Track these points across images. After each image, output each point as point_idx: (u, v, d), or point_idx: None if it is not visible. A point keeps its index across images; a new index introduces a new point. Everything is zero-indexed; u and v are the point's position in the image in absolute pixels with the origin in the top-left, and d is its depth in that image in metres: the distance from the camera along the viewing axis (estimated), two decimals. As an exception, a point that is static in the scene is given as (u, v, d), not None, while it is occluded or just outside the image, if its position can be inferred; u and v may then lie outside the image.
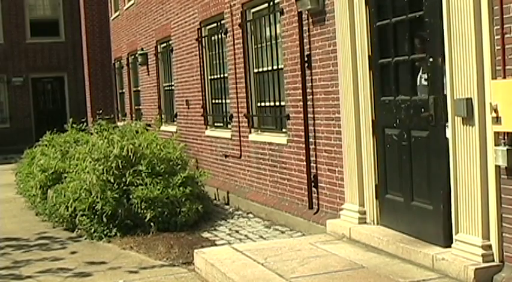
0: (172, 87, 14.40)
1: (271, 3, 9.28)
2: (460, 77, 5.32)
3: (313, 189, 8.11)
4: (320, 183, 7.98)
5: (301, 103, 8.21)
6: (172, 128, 14.20)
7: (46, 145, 13.33)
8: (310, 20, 7.93)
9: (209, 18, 11.59)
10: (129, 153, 9.31)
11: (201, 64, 12.16)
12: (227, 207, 10.60)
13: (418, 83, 6.19)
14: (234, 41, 10.42)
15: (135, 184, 9.11)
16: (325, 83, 7.69)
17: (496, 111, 4.95)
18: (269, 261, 6.28)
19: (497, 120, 4.96)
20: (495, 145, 5.08)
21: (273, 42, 9.23)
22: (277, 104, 9.31)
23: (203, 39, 12.05)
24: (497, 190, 5.12)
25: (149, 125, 13.49)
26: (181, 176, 9.31)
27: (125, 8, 18.92)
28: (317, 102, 7.91)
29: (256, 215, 9.56)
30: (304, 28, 8.08)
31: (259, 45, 9.85)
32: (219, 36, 11.24)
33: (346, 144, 7.16)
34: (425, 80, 6.01)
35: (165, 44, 14.95)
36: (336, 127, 7.52)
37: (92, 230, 8.92)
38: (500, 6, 4.92)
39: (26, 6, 28.77)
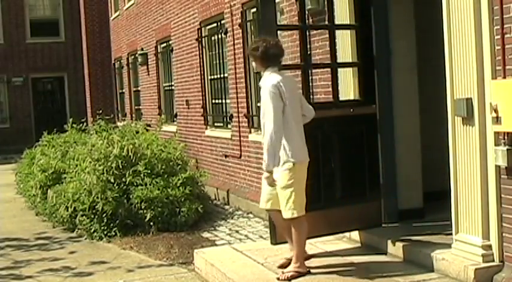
0: (172, 87, 14.40)
1: (271, 3, 9.26)
2: (460, 77, 5.32)
3: (313, 189, 8.09)
4: (320, 183, 7.96)
5: (301, 103, 8.19)
6: (173, 128, 14.19)
7: (46, 145, 13.33)
8: (310, 20, 7.93)
9: (209, 18, 11.59)
10: (129, 153, 9.31)
11: (201, 64, 12.16)
12: (227, 207, 10.60)
13: None
14: (234, 41, 10.42)
15: (135, 184, 9.11)
16: (325, 83, 7.67)
17: (496, 111, 4.94)
18: (269, 261, 6.28)
19: (497, 120, 4.96)
20: (495, 145, 5.08)
21: (273, 42, 9.21)
22: (277, 104, 9.29)
23: (203, 39, 12.05)
24: (497, 190, 5.11)
25: (149, 125, 13.50)
26: (181, 177, 9.31)
27: (124, 8, 18.91)
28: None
29: (256, 215, 9.56)
30: (304, 28, 8.07)
31: (259, 45, 9.83)
32: (219, 36, 11.24)
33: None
34: None
35: (165, 44, 14.95)
36: (336, 127, 7.50)
37: (92, 230, 8.92)
38: (500, 6, 4.92)
39: (26, 6, 28.75)
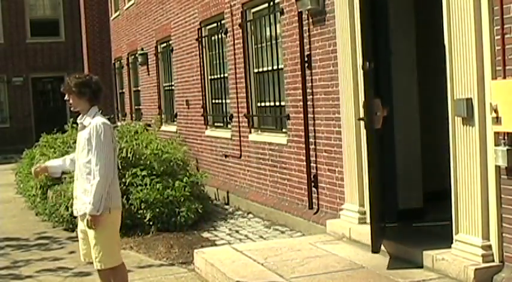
0: (172, 87, 14.40)
1: (272, 3, 9.28)
2: (460, 77, 5.33)
3: (313, 189, 8.11)
4: (320, 183, 7.97)
5: (301, 103, 8.21)
6: (173, 128, 14.20)
7: (45, 146, 13.31)
8: (310, 20, 7.93)
9: (209, 18, 11.59)
10: (128, 154, 9.31)
11: (201, 64, 12.16)
12: (227, 207, 10.60)
13: None
14: (234, 41, 10.42)
15: (135, 185, 9.10)
16: (325, 83, 7.69)
17: (496, 111, 4.95)
18: (269, 261, 6.28)
19: (497, 120, 4.96)
20: (495, 145, 5.08)
21: (273, 42, 9.23)
22: (277, 104, 9.31)
23: (203, 39, 12.05)
24: (497, 190, 5.12)
25: (149, 125, 13.49)
26: (181, 178, 9.31)
27: (125, 8, 18.92)
28: (317, 102, 7.91)
29: (256, 215, 9.56)
30: (304, 28, 8.08)
31: (259, 45, 9.85)
32: (219, 36, 11.24)
33: (346, 144, 7.16)
34: None
35: (165, 44, 14.95)
36: (336, 127, 7.52)
37: (92, 230, 8.90)
38: (500, 7, 4.93)
39: (26, 6, 28.76)
